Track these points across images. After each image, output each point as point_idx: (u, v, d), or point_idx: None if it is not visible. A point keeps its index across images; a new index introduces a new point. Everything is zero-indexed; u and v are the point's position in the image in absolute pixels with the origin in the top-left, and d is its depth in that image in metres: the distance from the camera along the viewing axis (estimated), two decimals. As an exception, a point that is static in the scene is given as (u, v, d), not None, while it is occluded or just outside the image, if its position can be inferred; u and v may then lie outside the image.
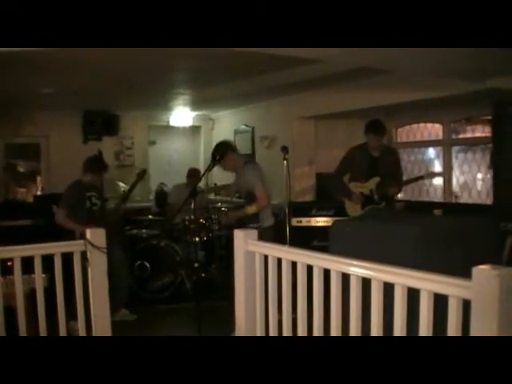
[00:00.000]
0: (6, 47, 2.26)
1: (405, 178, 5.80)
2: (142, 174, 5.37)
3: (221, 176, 7.45)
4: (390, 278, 1.95)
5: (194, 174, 7.02)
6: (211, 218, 6.19)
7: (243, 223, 4.47)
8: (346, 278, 2.19)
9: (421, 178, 5.53)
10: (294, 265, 2.47)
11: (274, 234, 4.56)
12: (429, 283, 1.79)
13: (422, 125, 7.12)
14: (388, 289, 1.99)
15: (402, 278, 1.90)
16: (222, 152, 4.61)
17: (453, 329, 1.74)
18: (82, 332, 3.01)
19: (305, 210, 6.22)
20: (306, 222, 6.14)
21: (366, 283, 2.09)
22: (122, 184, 6.21)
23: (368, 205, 5.08)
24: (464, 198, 6.50)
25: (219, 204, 7.07)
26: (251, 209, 4.48)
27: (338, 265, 2.19)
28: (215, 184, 7.19)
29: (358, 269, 2.09)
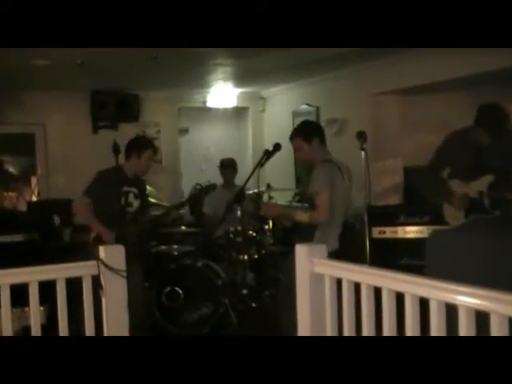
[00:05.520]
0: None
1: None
2: (208, 189, 5.43)
3: (275, 175, 7.40)
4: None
5: (228, 165, 6.96)
6: (263, 229, 6.16)
7: (291, 238, 4.34)
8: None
9: None
10: (377, 291, 2.45)
11: None
12: None
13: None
14: None
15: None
16: (309, 132, 4.55)
17: None
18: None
19: (389, 216, 6.18)
20: (391, 232, 6.08)
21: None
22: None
23: (474, 212, 4.89)
24: None
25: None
26: (302, 216, 4.34)
27: (440, 292, 2.15)
28: (268, 185, 7.14)
29: (469, 298, 2.03)
